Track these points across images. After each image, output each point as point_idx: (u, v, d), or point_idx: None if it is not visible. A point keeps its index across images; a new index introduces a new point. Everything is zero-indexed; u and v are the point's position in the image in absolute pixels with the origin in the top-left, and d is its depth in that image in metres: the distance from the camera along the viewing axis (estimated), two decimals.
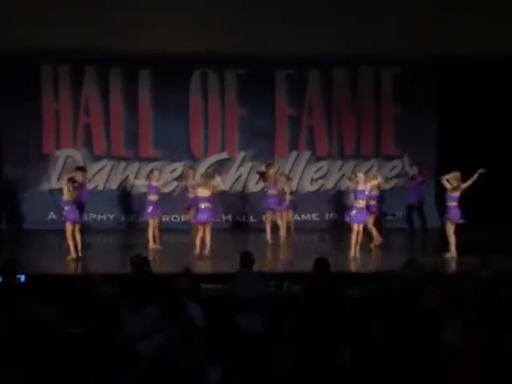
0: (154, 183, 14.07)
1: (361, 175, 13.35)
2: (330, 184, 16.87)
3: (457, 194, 13.12)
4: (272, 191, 14.61)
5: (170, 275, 9.96)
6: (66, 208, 12.75)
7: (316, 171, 16.85)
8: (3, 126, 16.38)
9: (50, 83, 16.37)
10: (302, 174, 16.78)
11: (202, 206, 13.15)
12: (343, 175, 16.77)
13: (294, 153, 16.85)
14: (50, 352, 6.72)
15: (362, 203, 13.06)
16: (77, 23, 13.21)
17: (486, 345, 6.40)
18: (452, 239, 13.13)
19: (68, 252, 12.68)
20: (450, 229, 13.18)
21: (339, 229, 16.25)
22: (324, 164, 16.94)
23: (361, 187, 13.06)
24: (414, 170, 15.57)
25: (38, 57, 15.81)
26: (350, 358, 6.51)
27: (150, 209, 13.95)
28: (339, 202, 16.76)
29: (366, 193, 13.09)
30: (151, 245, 13.82)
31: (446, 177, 13.19)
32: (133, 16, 13.32)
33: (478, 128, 16.11)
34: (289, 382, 6.30)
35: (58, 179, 16.36)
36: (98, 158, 16.64)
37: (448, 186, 13.13)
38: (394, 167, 16.87)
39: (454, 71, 16.05)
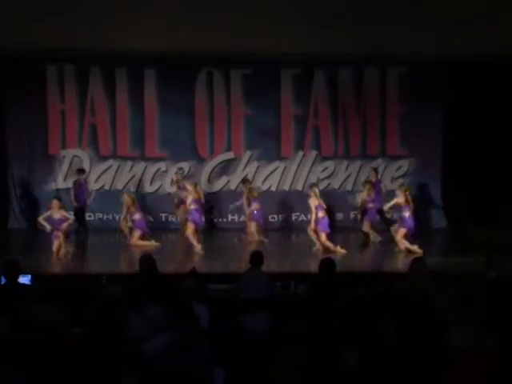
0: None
1: (315, 189, 13.91)
2: (336, 184, 16.80)
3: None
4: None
5: (177, 275, 9.98)
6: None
7: (322, 171, 16.80)
8: (9, 126, 16.40)
9: (56, 83, 16.36)
10: (308, 173, 16.73)
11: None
12: (349, 175, 16.74)
13: (300, 153, 16.81)
14: (54, 352, 6.71)
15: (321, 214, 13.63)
16: (82, 23, 13.23)
17: (495, 346, 6.38)
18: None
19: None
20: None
21: (345, 229, 16.25)
22: (330, 164, 16.89)
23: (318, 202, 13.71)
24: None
25: (44, 57, 15.82)
26: (356, 359, 6.47)
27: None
28: (345, 201, 16.72)
29: (324, 206, 13.78)
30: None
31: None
32: (138, 16, 13.32)
33: (485, 128, 16.08)
34: (293, 383, 6.28)
35: (65, 179, 16.41)
36: (103, 158, 16.64)
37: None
38: (400, 167, 16.81)
39: (460, 71, 16.02)
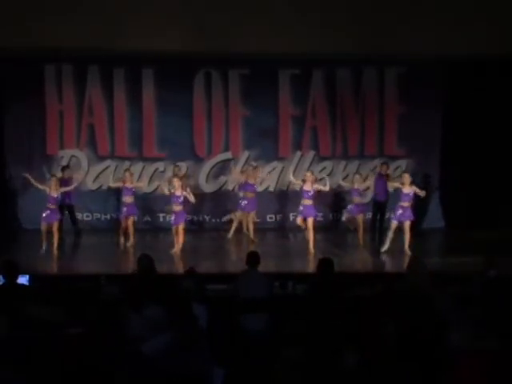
0: (127, 185, 14.61)
1: (309, 175, 14.15)
2: (333, 184, 16.74)
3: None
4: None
5: (175, 275, 9.98)
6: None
7: (320, 171, 16.74)
8: (7, 126, 16.36)
9: (54, 83, 16.32)
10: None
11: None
12: (347, 175, 16.69)
13: (298, 153, 16.80)
14: (54, 352, 6.71)
15: (307, 201, 13.92)
16: (81, 23, 13.20)
17: (495, 346, 6.38)
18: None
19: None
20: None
21: (343, 228, 16.23)
22: (328, 164, 16.88)
23: (306, 187, 13.96)
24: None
25: (43, 57, 15.80)
26: (356, 359, 6.47)
27: (124, 210, 14.58)
28: (343, 201, 16.70)
29: (310, 193, 13.95)
30: (122, 242, 14.51)
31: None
32: (137, 15, 13.31)
33: (484, 128, 16.07)
34: (293, 383, 6.28)
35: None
36: (101, 158, 16.60)
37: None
38: (398, 167, 16.78)
39: (460, 71, 16.01)
